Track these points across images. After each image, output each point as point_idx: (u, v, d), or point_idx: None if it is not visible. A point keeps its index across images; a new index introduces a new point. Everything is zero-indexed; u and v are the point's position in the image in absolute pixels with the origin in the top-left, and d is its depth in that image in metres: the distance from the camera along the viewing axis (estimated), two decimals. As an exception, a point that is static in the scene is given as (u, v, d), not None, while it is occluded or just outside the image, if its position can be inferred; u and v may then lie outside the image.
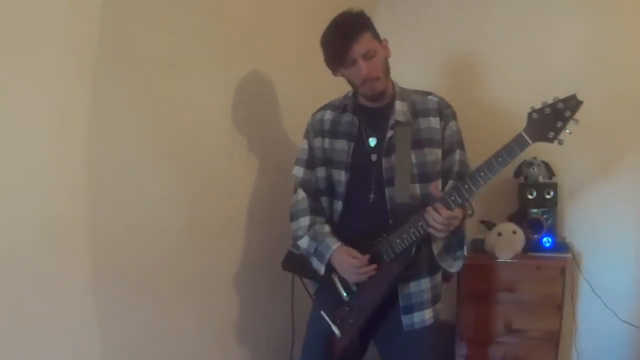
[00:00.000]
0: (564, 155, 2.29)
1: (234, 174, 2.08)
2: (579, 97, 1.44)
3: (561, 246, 2.44)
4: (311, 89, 2.38)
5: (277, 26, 2.26)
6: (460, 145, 1.78)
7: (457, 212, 1.57)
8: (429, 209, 1.58)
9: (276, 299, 2.18)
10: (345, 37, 1.64)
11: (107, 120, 1.58)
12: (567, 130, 1.46)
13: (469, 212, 1.67)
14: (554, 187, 2.44)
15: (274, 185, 2.22)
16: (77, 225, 1.52)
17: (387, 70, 1.72)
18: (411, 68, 2.46)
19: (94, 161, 1.54)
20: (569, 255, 2.43)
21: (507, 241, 2.37)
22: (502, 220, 2.48)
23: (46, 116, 1.43)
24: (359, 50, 1.63)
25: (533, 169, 2.46)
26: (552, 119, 1.46)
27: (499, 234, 2.38)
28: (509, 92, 2.58)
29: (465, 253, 1.79)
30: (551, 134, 1.46)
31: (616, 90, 2.43)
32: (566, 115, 1.44)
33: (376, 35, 1.69)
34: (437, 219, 1.56)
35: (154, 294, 1.76)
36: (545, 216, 2.43)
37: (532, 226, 2.43)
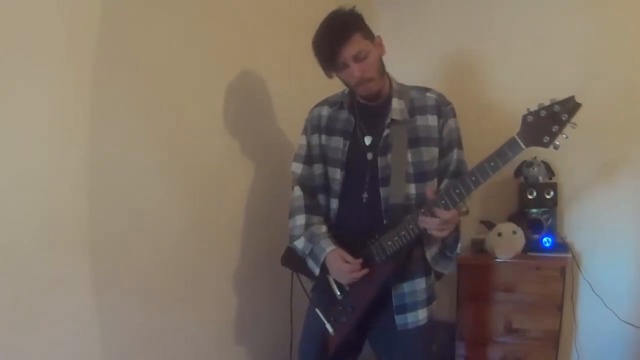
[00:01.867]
0: (564, 155, 2.29)
1: (233, 174, 2.08)
2: (578, 100, 1.36)
3: (561, 246, 2.44)
4: (311, 88, 2.38)
5: (274, 26, 2.27)
6: (458, 144, 1.75)
7: (453, 213, 1.54)
8: (421, 215, 1.56)
9: (275, 298, 2.18)
10: (334, 40, 1.59)
11: (107, 120, 1.58)
12: (564, 135, 1.38)
13: (463, 210, 1.63)
14: (554, 187, 2.44)
15: (273, 184, 2.22)
16: (77, 225, 1.52)
17: (381, 69, 1.68)
18: (409, 66, 2.45)
19: (93, 161, 1.54)
20: (569, 255, 2.43)
21: (507, 241, 2.37)
22: (502, 220, 2.48)
23: (46, 116, 1.43)
24: (349, 52, 1.59)
25: (533, 169, 2.46)
26: (547, 122, 1.37)
27: (499, 234, 2.38)
28: (508, 92, 2.58)
29: (459, 251, 1.75)
30: (546, 139, 1.38)
31: (616, 90, 2.43)
32: (563, 118, 1.36)
33: (368, 34, 1.64)
34: (432, 223, 1.54)
35: (153, 294, 1.76)
36: (545, 216, 2.43)
37: (532, 226, 2.43)
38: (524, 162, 2.47)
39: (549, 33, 2.56)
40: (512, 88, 2.57)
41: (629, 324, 2.42)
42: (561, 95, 1.39)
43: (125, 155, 1.65)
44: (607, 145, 2.48)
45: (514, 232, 2.38)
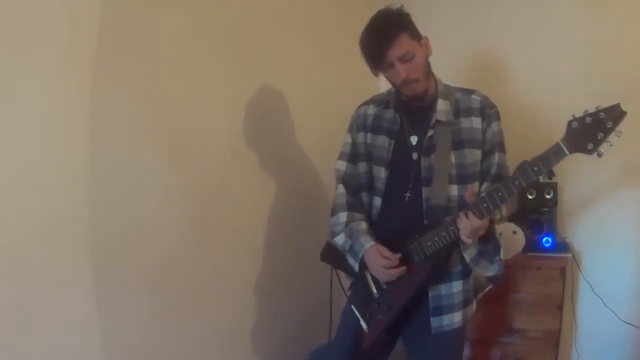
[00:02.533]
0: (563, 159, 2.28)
1: (235, 173, 2.08)
2: (623, 107, 1.36)
3: (561, 246, 2.44)
4: (310, 88, 2.38)
5: (281, 26, 2.26)
6: (501, 147, 1.74)
7: (485, 221, 1.55)
8: (461, 215, 1.56)
9: (274, 299, 2.19)
10: (380, 41, 1.60)
11: (107, 120, 1.58)
12: (609, 143, 1.39)
13: (498, 217, 1.65)
14: (554, 187, 2.44)
15: (275, 183, 2.23)
16: (77, 225, 1.53)
17: (427, 70, 1.68)
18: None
19: (94, 161, 1.55)
20: (569, 255, 2.43)
21: (507, 241, 2.37)
22: (502, 220, 2.48)
23: (46, 116, 1.43)
24: (395, 53, 1.59)
25: (533, 169, 2.46)
26: (592, 130, 1.38)
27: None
28: (520, 94, 2.57)
29: (502, 257, 1.73)
30: (590, 146, 1.40)
31: (617, 91, 2.42)
32: (608, 126, 1.37)
33: (415, 35, 1.64)
34: (466, 227, 1.55)
35: (154, 293, 1.76)
36: (545, 216, 2.43)
37: (532, 226, 2.43)
38: (524, 162, 2.47)
39: (558, 36, 2.55)
40: (524, 91, 2.56)
41: (629, 324, 2.42)
42: (604, 105, 1.39)
43: (126, 155, 1.65)
44: (607, 145, 2.47)
45: (514, 232, 2.38)
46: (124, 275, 1.65)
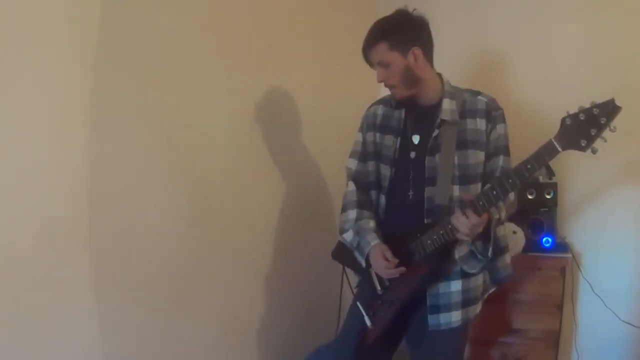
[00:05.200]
0: (564, 155, 2.28)
1: (235, 173, 2.08)
2: (618, 103, 1.35)
3: (561, 246, 2.44)
4: (309, 88, 2.38)
5: (285, 26, 2.27)
6: (505, 151, 1.75)
7: (483, 218, 1.56)
8: (457, 212, 1.57)
9: (270, 300, 2.19)
10: (365, 43, 1.72)
11: (107, 121, 1.58)
12: (603, 139, 1.38)
13: (496, 217, 1.66)
14: (554, 187, 2.44)
15: (274, 183, 2.23)
16: (76, 225, 1.53)
17: (408, 80, 1.70)
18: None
19: (93, 161, 1.55)
20: (569, 255, 2.43)
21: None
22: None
23: (46, 115, 1.43)
24: (373, 58, 1.71)
25: (533, 168, 2.46)
26: (585, 126, 1.38)
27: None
28: (518, 94, 2.57)
29: (490, 255, 1.72)
30: (583, 142, 1.39)
31: (617, 92, 2.42)
32: (602, 122, 1.37)
33: (397, 46, 1.68)
34: (463, 223, 1.56)
35: (154, 293, 1.76)
36: (545, 216, 2.43)
37: (532, 226, 2.43)
38: (517, 165, 2.46)
39: (556, 36, 2.55)
40: (522, 91, 2.56)
41: (629, 324, 2.42)
42: (598, 100, 1.38)
43: (126, 156, 1.65)
44: (607, 145, 2.46)
45: (514, 232, 2.37)
46: (124, 275, 1.65)
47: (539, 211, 2.43)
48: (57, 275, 1.47)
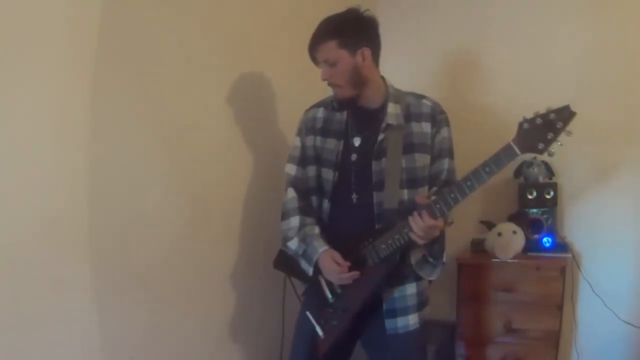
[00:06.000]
0: (564, 155, 2.29)
1: (233, 174, 2.08)
2: (573, 108, 1.39)
3: (561, 246, 2.44)
4: (309, 88, 2.38)
5: (275, 26, 2.27)
6: (450, 153, 1.76)
7: (440, 221, 1.56)
8: (414, 215, 1.56)
9: (269, 299, 2.18)
10: (312, 40, 1.70)
11: (107, 120, 1.58)
12: (559, 143, 1.42)
13: (449, 221, 1.66)
14: (554, 187, 2.44)
15: (270, 185, 2.22)
16: (76, 225, 1.52)
17: (355, 80, 1.69)
18: (408, 67, 2.45)
19: (93, 160, 1.54)
20: (569, 255, 2.43)
21: (507, 241, 2.37)
22: (502, 220, 2.48)
23: (46, 115, 1.43)
24: (319, 55, 1.69)
25: (533, 169, 2.46)
26: (543, 130, 1.41)
27: (499, 234, 2.38)
28: (505, 97, 2.58)
29: (445, 261, 1.76)
30: (541, 146, 1.42)
31: (617, 92, 2.43)
32: (558, 126, 1.40)
33: (347, 44, 1.67)
34: (420, 226, 1.55)
35: (154, 294, 1.76)
36: (545, 216, 2.43)
37: (532, 226, 2.43)
38: (524, 162, 2.47)
39: (549, 38, 2.56)
40: (509, 94, 2.56)
41: (629, 324, 2.42)
42: (559, 100, 1.42)
43: (126, 156, 1.65)
44: (607, 146, 2.47)
45: (514, 232, 2.38)
46: (124, 275, 1.65)
47: (539, 211, 2.44)
48: (57, 275, 1.46)
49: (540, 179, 2.46)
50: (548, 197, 2.43)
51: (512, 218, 2.49)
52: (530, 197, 2.44)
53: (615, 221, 2.48)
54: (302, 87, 2.30)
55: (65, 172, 1.49)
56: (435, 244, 1.70)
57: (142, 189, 1.71)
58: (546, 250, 2.41)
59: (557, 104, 1.42)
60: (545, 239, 2.42)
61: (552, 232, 2.43)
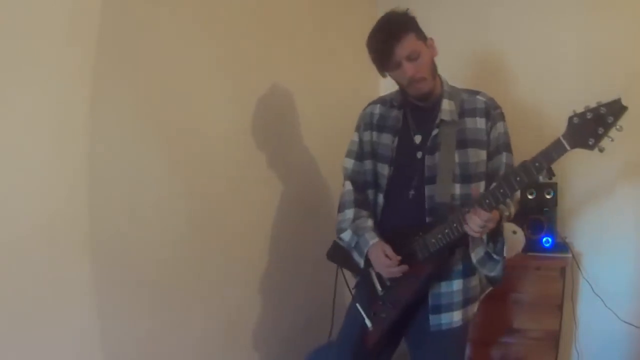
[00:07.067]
0: (564, 155, 2.29)
1: (235, 172, 2.08)
2: (624, 102, 1.36)
3: (561, 246, 2.44)
4: (309, 88, 2.38)
5: (285, 27, 2.27)
6: (507, 148, 1.75)
7: (494, 214, 1.56)
8: (470, 212, 1.56)
9: (278, 298, 2.19)
10: (388, 40, 1.63)
11: (107, 120, 1.58)
12: (610, 138, 1.39)
13: (506, 214, 1.66)
14: (554, 187, 2.44)
15: (273, 183, 2.23)
16: (77, 224, 1.53)
17: (433, 70, 1.71)
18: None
19: (94, 160, 1.55)
20: (569, 255, 2.43)
21: (507, 241, 2.36)
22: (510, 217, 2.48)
23: (46, 115, 1.43)
24: (402, 52, 1.63)
25: (533, 169, 2.46)
26: (593, 125, 1.38)
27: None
28: (521, 94, 2.57)
29: (505, 254, 1.74)
30: (591, 141, 1.40)
31: (617, 90, 2.42)
32: (609, 121, 1.37)
33: (420, 36, 1.68)
34: (475, 222, 1.55)
35: (154, 293, 1.76)
36: (545, 216, 2.43)
37: (532, 226, 2.43)
38: (525, 160, 2.46)
39: (554, 37, 2.55)
40: (522, 91, 2.56)
41: (629, 324, 2.42)
42: (605, 100, 1.39)
43: (126, 156, 1.65)
44: (607, 146, 2.47)
45: (514, 232, 2.38)
46: (124, 275, 1.65)
47: (539, 211, 2.44)
48: (57, 275, 1.47)
49: (540, 179, 2.45)
50: (548, 197, 2.43)
51: (512, 218, 2.48)
52: (530, 197, 2.44)
53: (616, 221, 2.48)
54: (302, 87, 2.31)
55: (65, 172, 1.49)
56: (499, 241, 1.70)
57: (143, 189, 1.71)
58: (546, 250, 2.41)
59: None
60: (545, 239, 2.42)
61: (552, 232, 2.43)
